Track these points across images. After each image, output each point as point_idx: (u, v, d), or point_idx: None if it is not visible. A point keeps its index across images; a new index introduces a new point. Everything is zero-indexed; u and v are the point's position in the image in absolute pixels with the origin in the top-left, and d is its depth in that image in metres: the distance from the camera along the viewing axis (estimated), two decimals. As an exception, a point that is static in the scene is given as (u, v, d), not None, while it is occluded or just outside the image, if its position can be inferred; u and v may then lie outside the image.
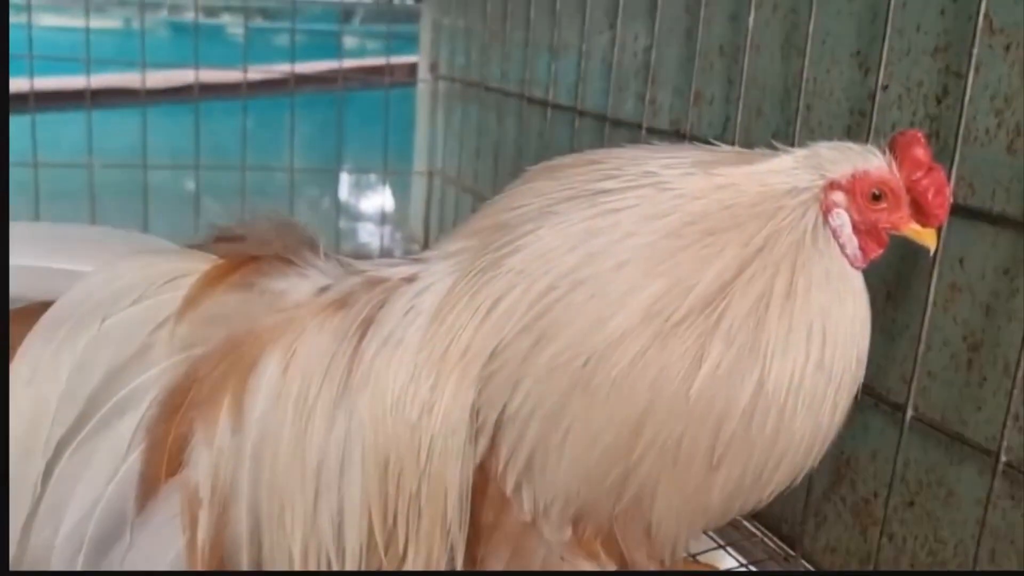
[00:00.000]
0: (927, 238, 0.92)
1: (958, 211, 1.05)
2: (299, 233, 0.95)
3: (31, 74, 2.31)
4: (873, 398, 1.20)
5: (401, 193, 2.97)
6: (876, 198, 0.89)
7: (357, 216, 3.21)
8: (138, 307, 0.84)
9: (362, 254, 2.50)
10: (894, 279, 1.18)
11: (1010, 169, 1.04)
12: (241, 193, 2.50)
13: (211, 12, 3.21)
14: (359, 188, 3.18)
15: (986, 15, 1.04)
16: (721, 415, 0.82)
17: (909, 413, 1.14)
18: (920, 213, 0.90)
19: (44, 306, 0.83)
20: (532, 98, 2.05)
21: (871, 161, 0.89)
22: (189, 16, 2.61)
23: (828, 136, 1.25)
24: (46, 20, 2.72)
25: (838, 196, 0.88)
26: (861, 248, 0.90)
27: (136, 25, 2.57)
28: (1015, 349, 1.01)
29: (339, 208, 2.94)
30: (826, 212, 0.88)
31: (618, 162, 0.90)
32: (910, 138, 0.89)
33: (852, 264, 0.89)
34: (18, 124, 2.35)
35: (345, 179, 3.05)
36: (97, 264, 0.85)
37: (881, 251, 0.91)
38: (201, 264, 0.88)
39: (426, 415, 0.85)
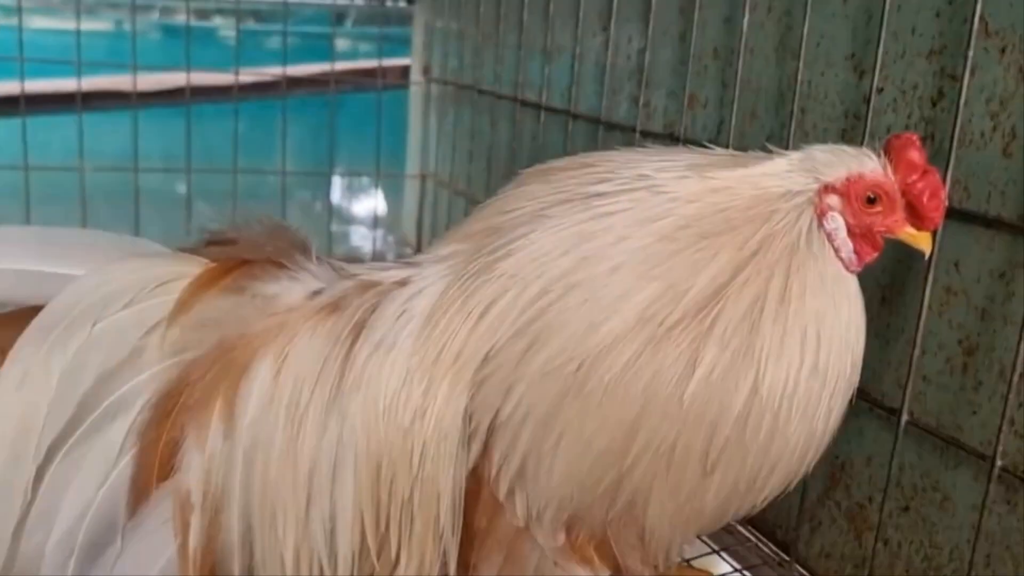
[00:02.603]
0: (922, 242, 0.92)
1: (953, 214, 1.05)
2: (291, 237, 0.94)
3: (21, 77, 2.31)
4: (868, 402, 1.19)
5: (394, 196, 2.97)
6: (871, 201, 0.89)
7: (349, 219, 3.21)
8: (129, 311, 0.84)
9: (354, 258, 2.49)
10: (889, 283, 1.18)
11: (1005, 172, 1.03)
12: (233, 196, 2.49)
13: (203, 14, 3.21)
14: (351, 191, 3.18)
15: (981, 17, 1.03)
16: (715, 420, 0.82)
17: (904, 418, 1.13)
18: (915, 216, 0.90)
19: (35, 310, 0.82)
20: (525, 101, 2.04)
21: (866, 164, 0.89)
22: (181, 18, 2.61)
23: (823, 139, 1.25)
24: (37, 22, 2.72)
25: (833, 199, 0.88)
26: (856, 252, 0.89)
27: (127, 27, 2.57)
28: (1010, 353, 1.01)
29: (331, 211, 2.94)
30: (821, 215, 0.88)
31: (612, 165, 0.90)
32: (905, 141, 0.89)
33: (847, 268, 0.89)
34: (8, 127, 2.35)
35: (337, 182, 3.05)
36: (88, 268, 0.85)
37: (876, 255, 0.90)
38: (192, 268, 0.87)
39: (419, 420, 0.84)
